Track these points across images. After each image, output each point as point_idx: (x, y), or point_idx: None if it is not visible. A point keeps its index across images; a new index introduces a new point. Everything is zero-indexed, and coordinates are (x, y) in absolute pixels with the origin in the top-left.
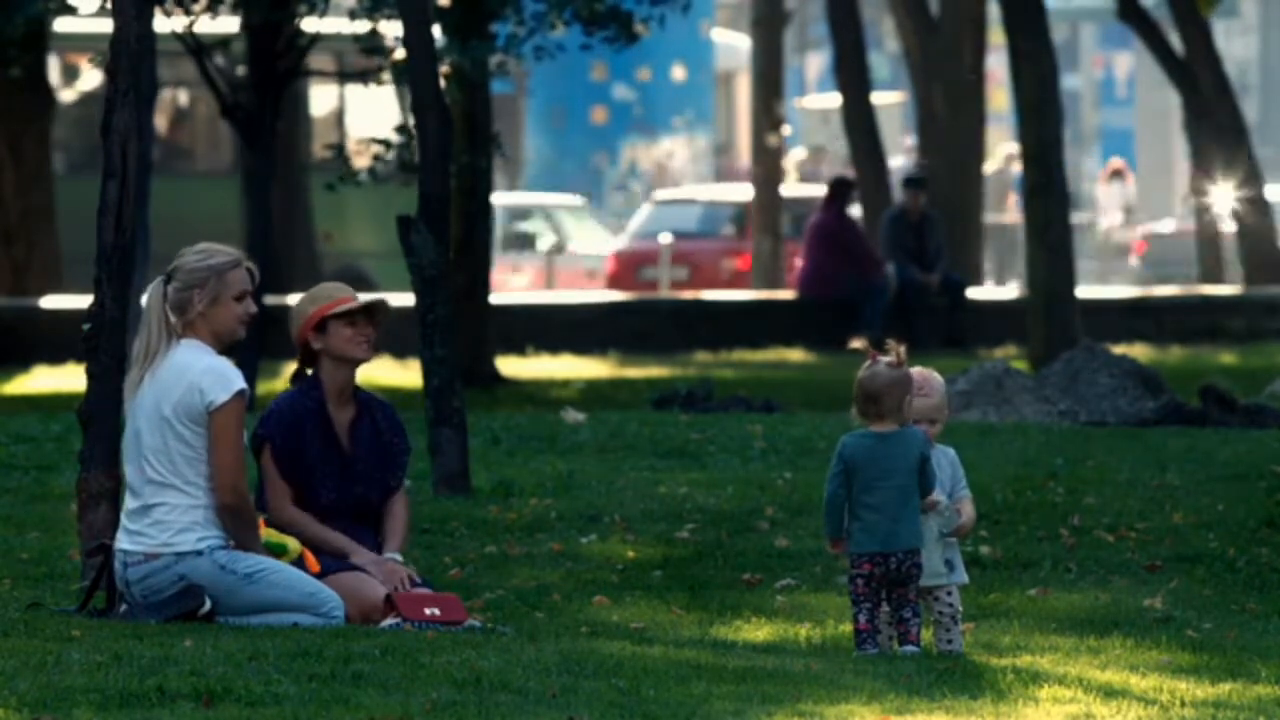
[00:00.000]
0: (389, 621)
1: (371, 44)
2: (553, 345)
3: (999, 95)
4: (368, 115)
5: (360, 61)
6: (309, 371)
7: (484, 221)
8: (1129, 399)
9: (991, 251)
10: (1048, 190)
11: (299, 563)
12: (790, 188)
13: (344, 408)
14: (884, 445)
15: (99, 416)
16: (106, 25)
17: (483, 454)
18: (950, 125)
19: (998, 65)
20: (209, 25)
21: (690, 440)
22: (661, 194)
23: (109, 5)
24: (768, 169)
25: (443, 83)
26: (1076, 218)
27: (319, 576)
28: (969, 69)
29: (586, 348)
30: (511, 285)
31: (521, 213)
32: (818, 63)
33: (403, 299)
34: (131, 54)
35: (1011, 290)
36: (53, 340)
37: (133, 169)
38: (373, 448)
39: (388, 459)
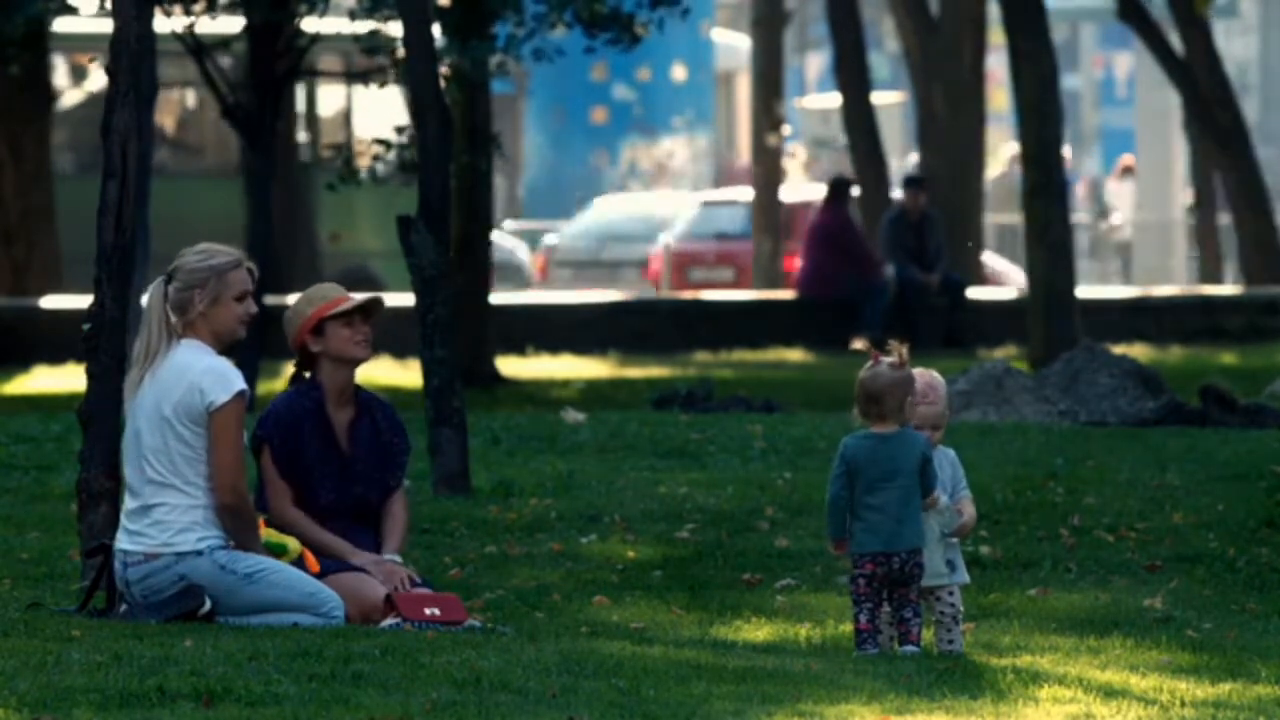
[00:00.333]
0: (389, 621)
1: (372, 44)
2: (553, 345)
3: (999, 95)
4: (375, 115)
5: (366, 62)
6: (307, 374)
7: (484, 221)
8: (1129, 399)
9: (997, 253)
10: (1048, 190)
11: (299, 563)
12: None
13: (343, 408)
14: (885, 446)
15: (99, 416)
16: (109, 25)
17: (483, 454)
18: (950, 125)
19: (998, 65)
20: (209, 25)
21: (690, 440)
22: (708, 195)
23: (109, 5)
24: (768, 169)
25: (443, 83)
26: (1075, 217)
27: (319, 576)
28: (968, 69)
29: (586, 348)
30: None
31: None
32: (818, 63)
33: (405, 299)
34: (131, 54)
35: (1011, 290)
36: (53, 340)
37: (133, 169)
38: (372, 448)
39: (387, 459)
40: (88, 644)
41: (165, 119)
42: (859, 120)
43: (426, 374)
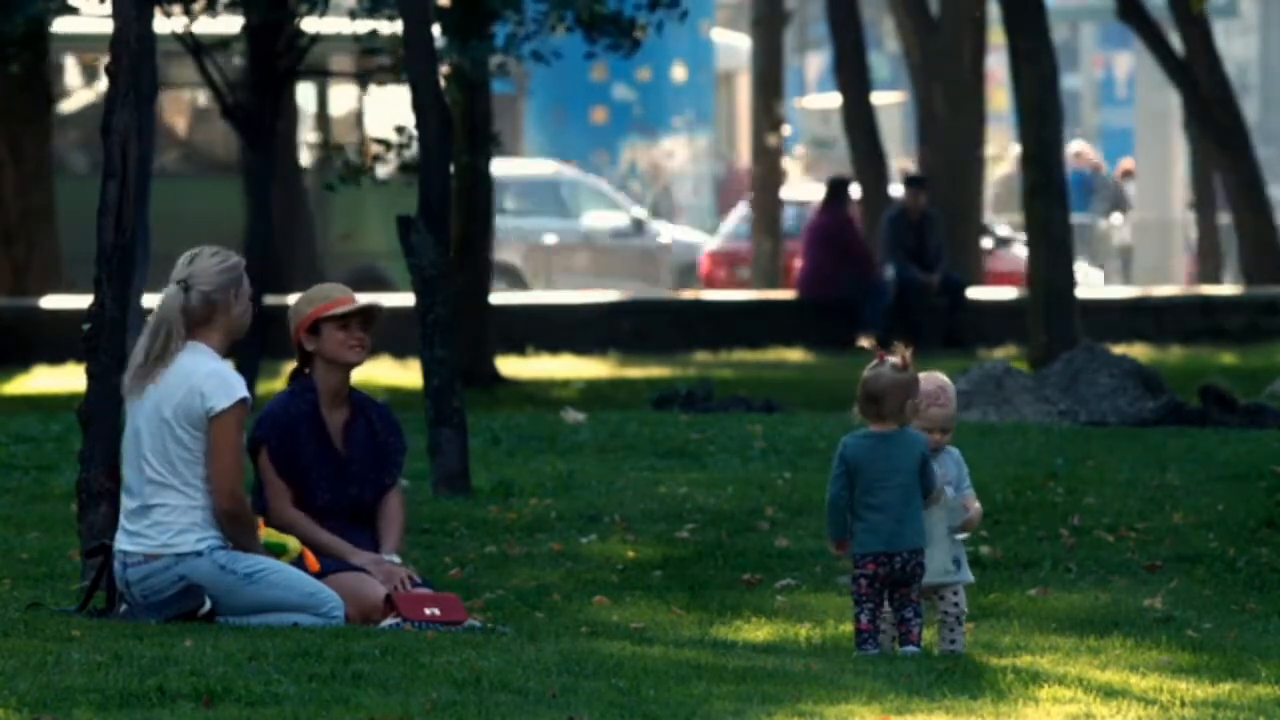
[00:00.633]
0: (389, 621)
1: (373, 44)
2: (553, 345)
3: (999, 95)
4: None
5: (370, 61)
6: (306, 371)
7: (484, 221)
8: (1129, 399)
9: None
10: (1048, 190)
11: (299, 562)
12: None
13: (338, 409)
14: (885, 445)
15: (99, 416)
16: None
17: (483, 454)
18: (950, 125)
19: (998, 65)
20: (209, 25)
21: (690, 440)
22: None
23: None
24: (768, 169)
25: (443, 83)
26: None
27: (319, 576)
28: (968, 69)
29: (586, 348)
30: None
31: None
32: (818, 63)
33: (405, 299)
34: (132, 54)
35: (1011, 290)
36: (53, 340)
37: (133, 169)
38: (368, 448)
39: (382, 459)
40: (88, 644)
41: (178, 119)
42: (859, 120)
43: (426, 374)
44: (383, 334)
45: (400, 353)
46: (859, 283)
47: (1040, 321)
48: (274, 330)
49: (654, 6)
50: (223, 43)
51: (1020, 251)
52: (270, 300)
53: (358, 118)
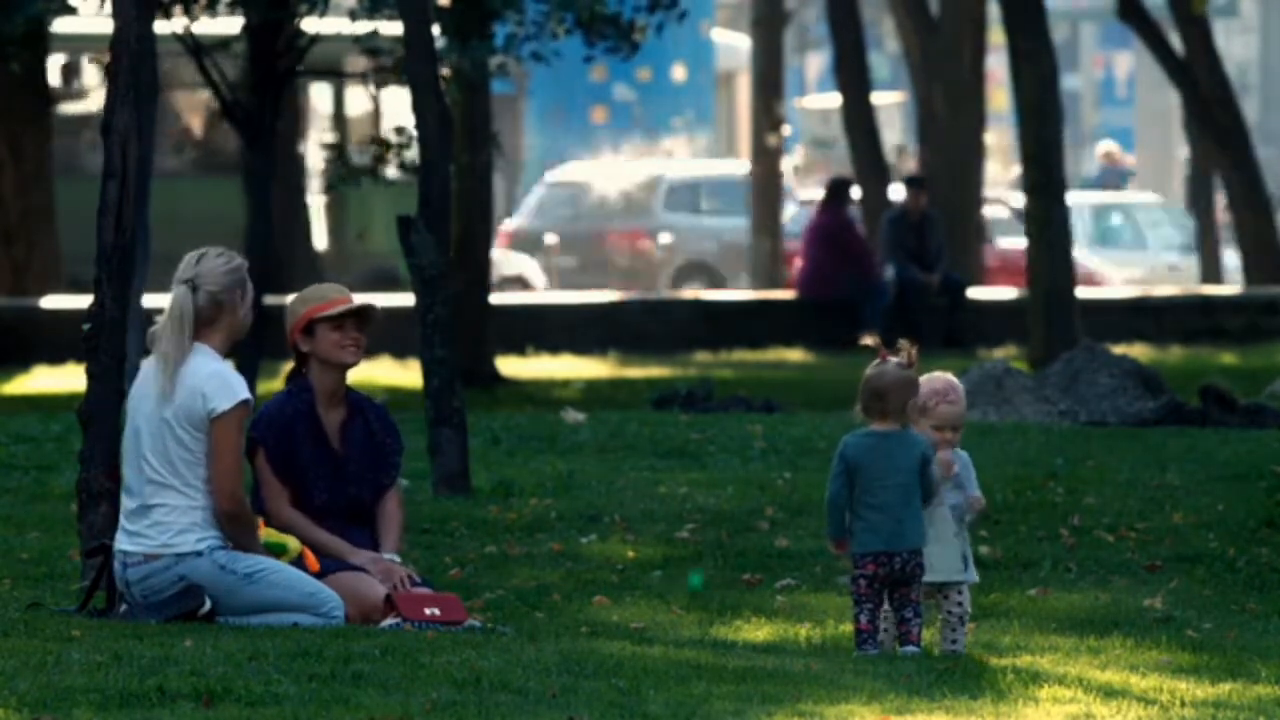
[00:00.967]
0: (389, 621)
1: (373, 44)
2: (553, 345)
3: (999, 95)
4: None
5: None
6: (304, 372)
7: (484, 222)
8: (1129, 399)
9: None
10: (1048, 190)
11: (299, 562)
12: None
13: (335, 409)
14: (885, 444)
15: (99, 416)
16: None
17: (483, 454)
18: (950, 125)
19: (998, 65)
20: (209, 25)
21: (690, 440)
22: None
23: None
24: (767, 169)
25: (443, 83)
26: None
27: (319, 576)
28: (968, 69)
29: (586, 348)
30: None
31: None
32: (818, 63)
33: (405, 299)
34: (132, 54)
35: (1011, 290)
36: (53, 340)
37: (133, 169)
38: (365, 448)
39: (380, 459)
40: (88, 644)
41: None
42: (859, 120)
43: (426, 374)
44: (383, 334)
45: (400, 353)
46: (859, 283)
47: (1040, 321)
48: (273, 330)
49: (654, 8)
50: (223, 43)
51: (1081, 256)
52: (270, 300)
53: (374, 117)
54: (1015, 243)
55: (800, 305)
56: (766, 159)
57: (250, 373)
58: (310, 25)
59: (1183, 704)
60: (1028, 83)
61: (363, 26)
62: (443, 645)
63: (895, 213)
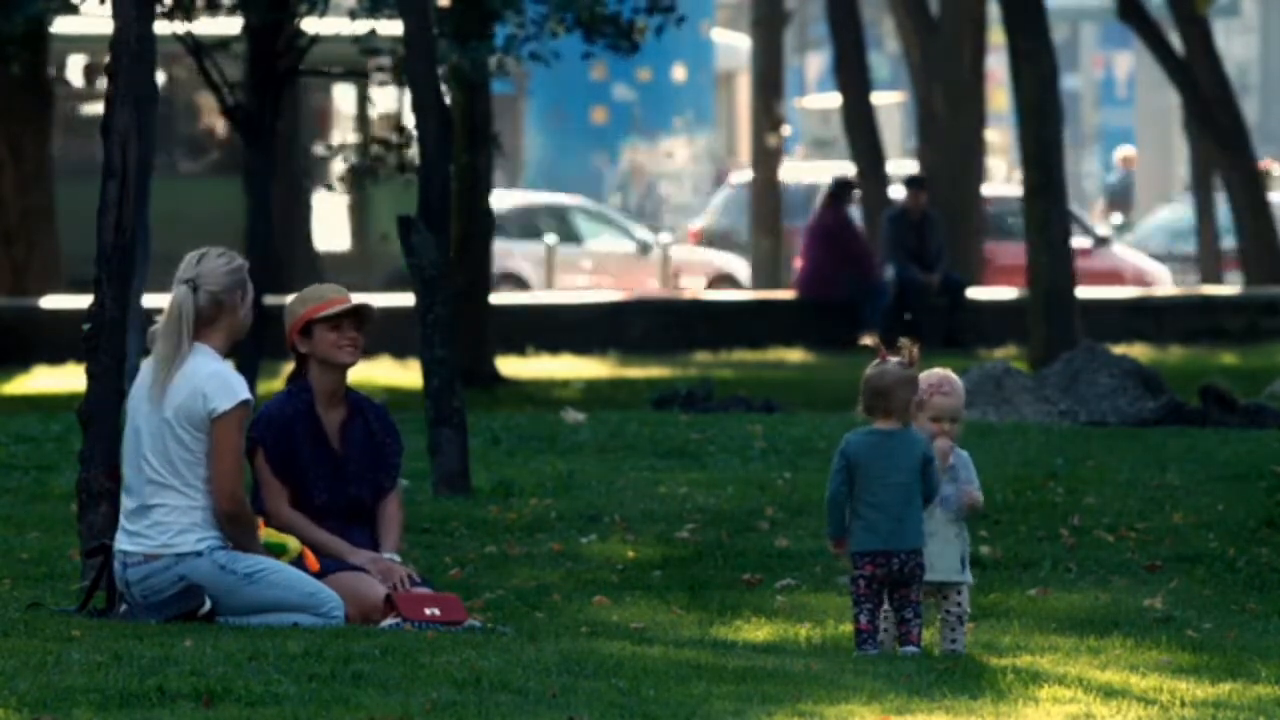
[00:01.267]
0: (389, 621)
1: (372, 44)
2: (553, 345)
3: (999, 95)
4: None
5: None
6: (304, 373)
7: (484, 221)
8: (1129, 399)
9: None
10: (1048, 190)
11: (299, 562)
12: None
13: (334, 409)
14: (887, 443)
15: (99, 416)
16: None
17: (483, 454)
18: (950, 125)
19: (998, 65)
20: (209, 26)
21: (690, 440)
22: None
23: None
24: (768, 169)
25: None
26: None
27: (319, 576)
28: (968, 69)
29: (586, 348)
30: None
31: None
32: (818, 63)
33: (405, 299)
34: (131, 54)
35: (1011, 290)
36: (53, 340)
37: (133, 169)
38: (365, 449)
39: (379, 460)
40: (88, 644)
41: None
42: (859, 120)
43: (426, 374)
44: (383, 334)
45: (400, 353)
46: (859, 283)
47: (1040, 321)
48: (273, 330)
49: (651, 10)
50: (223, 43)
51: (1121, 251)
52: (270, 300)
53: (399, 117)
54: (1076, 243)
55: (800, 305)
56: (767, 159)
57: (250, 373)
58: (310, 25)
59: (1183, 704)
60: (1028, 83)
61: (363, 26)
62: (443, 645)
63: (895, 212)
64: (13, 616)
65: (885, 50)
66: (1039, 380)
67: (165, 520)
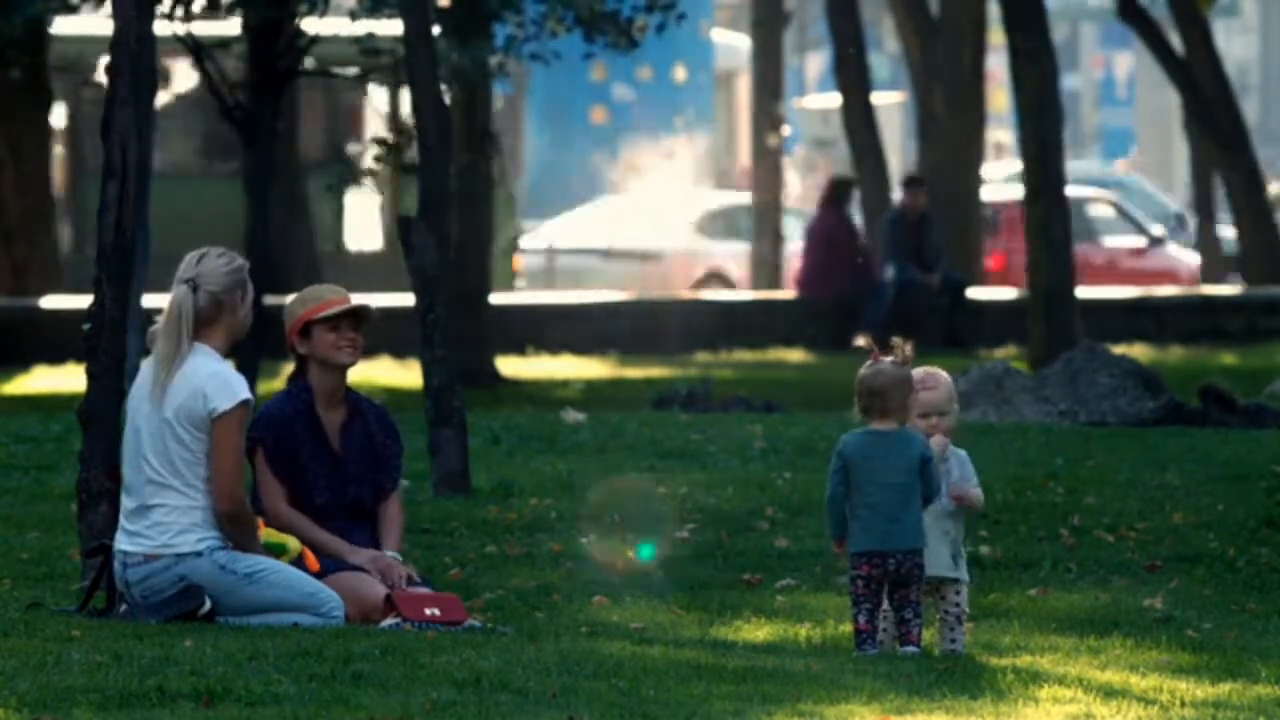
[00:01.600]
0: (389, 621)
1: (371, 44)
2: (553, 345)
3: (999, 95)
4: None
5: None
6: (304, 374)
7: (484, 221)
8: (1129, 399)
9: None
10: (1047, 190)
11: (299, 562)
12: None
13: (334, 410)
14: (883, 443)
15: (99, 416)
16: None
17: (483, 454)
18: (950, 125)
19: (998, 65)
20: (209, 26)
21: (690, 440)
22: None
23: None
24: (768, 170)
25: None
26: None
27: (319, 576)
28: (968, 69)
29: (586, 348)
30: None
31: None
32: (818, 63)
33: (405, 299)
34: (132, 54)
35: (1011, 290)
36: (53, 340)
37: (133, 169)
38: (365, 449)
39: (379, 460)
40: (88, 644)
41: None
42: (859, 120)
43: (426, 374)
44: (383, 334)
45: (400, 353)
46: (859, 283)
47: (1040, 321)
48: (273, 331)
49: (651, 8)
50: (223, 43)
51: (1175, 250)
52: (270, 300)
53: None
54: (1123, 241)
55: (800, 305)
56: (767, 159)
57: (250, 373)
58: (310, 25)
59: (1183, 704)
60: (1028, 83)
61: (362, 26)
62: (443, 645)
63: (894, 213)
64: (13, 616)
65: (885, 50)
66: (1039, 380)
67: (165, 520)
